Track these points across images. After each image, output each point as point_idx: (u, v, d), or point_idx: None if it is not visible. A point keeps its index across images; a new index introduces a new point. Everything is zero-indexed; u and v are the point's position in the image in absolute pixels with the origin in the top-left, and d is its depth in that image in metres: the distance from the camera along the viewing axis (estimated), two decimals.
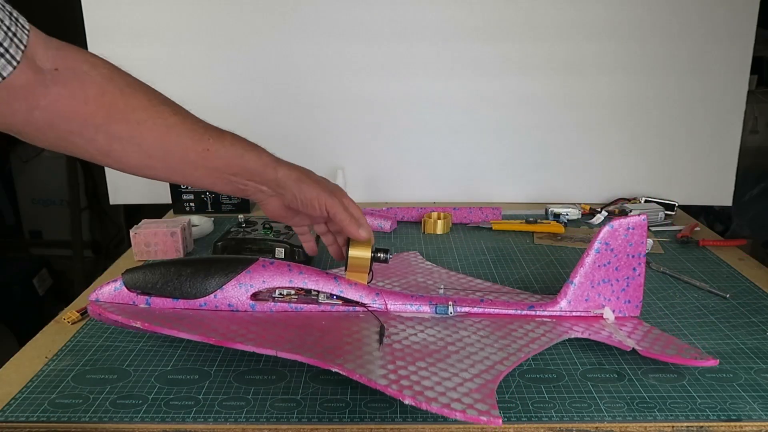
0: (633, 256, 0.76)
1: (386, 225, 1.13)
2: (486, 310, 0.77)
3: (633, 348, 0.69)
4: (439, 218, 1.14)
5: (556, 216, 1.16)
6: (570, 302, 0.76)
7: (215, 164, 0.63)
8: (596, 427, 0.60)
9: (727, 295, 0.86)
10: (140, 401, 0.64)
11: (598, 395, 0.64)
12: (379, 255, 0.75)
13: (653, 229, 1.13)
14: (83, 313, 0.81)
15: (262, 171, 0.66)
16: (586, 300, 0.76)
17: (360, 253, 0.74)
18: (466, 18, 1.20)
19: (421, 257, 1.00)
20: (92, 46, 1.22)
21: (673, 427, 0.60)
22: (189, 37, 1.22)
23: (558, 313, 0.76)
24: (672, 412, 0.61)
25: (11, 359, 0.72)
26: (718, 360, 0.67)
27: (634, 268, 0.76)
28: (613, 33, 1.20)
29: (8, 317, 1.90)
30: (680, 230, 1.11)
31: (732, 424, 0.60)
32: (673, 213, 1.20)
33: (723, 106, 1.23)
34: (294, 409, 0.62)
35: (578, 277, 0.76)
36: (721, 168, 1.27)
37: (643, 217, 0.76)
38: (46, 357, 0.72)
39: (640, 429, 0.60)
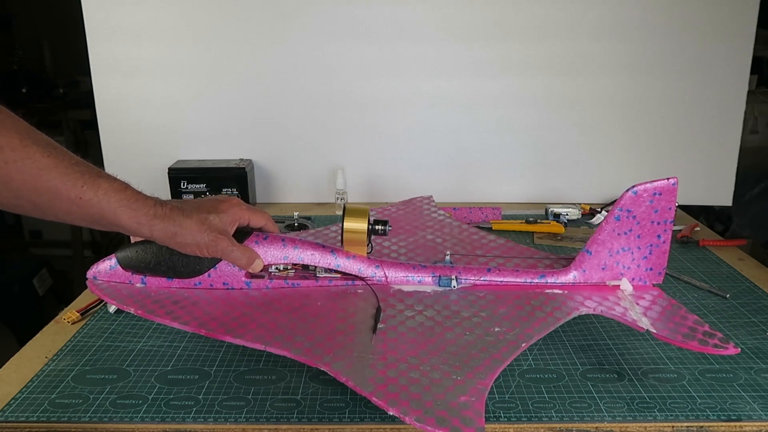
0: (658, 224, 0.69)
1: None
2: (493, 280, 0.72)
3: (647, 330, 0.65)
4: None
5: (556, 216, 1.16)
6: (585, 271, 0.71)
7: (88, 212, 0.60)
8: (596, 427, 0.60)
9: (727, 295, 0.86)
10: (140, 401, 0.64)
11: (598, 395, 0.64)
12: (377, 228, 0.72)
13: None
14: (83, 313, 0.81)
15: (136, 230, 0.62)
16: (603, 269, 0.71)
17: (356, 226, 0.70)
18: (466, 18, 1.20)
19: (434, 203, 0.96)
20: (92, 46, 1.22)
21: (673, 427, 0.60)
22: (189, 37, 1.22)
23: (571, 283, 0.72)
24: (672, 412, 0.61)
25: (11, 359, 0.72)
26: (739, 349, 0.62)
27: (658, 236, 0.70)
28: (613, 33, 1.20)
29: (8, 317, 1.90)
30: (680, 230, 1.11)
31: (732, 424, 0.60)
32: None
33: (723, 106, 1.23)
34: (294, 409, 0.62)
35: (595, 246, 0.71)
36: (721, 168, 1.27)
37: (672, 180, 0.69)
38: (46, 357, 0.72)
39: (640, 429, 0.60)
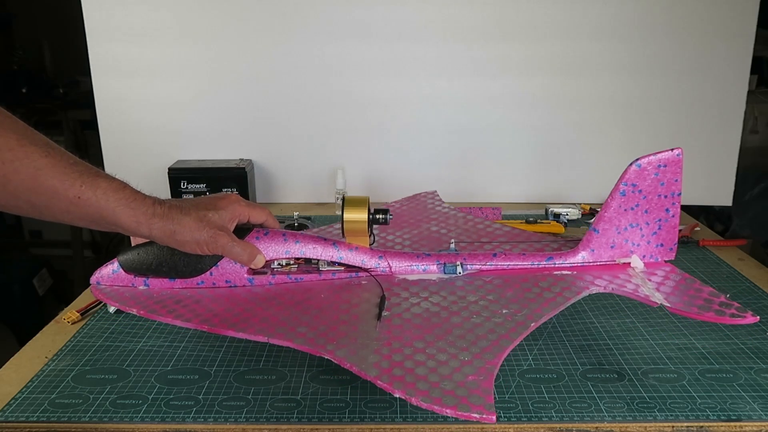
0: (665, 197, 0.68)
1: None
2: (499, 264, 0.71)
3: (660, 304, 0.63)
4: None
5: (556, 216, 1.16)
6: (593, 251, 0.70)
7: (86, 212, 0.59)
8: (596, 427, 0.60)
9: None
10: (140, 401, 0.64)
11: (598, 395, 0.64)
12: (378, 217, 0.71)
13: None
14: (83, 313, 0.81)
15: (135, 229, 0.62)
16: (612, 247, 0.70)
17: (356, 216, 0.69)
18: (466, 18, 1.20)
19: (438, 197, 0.96)
20: (92, 46, 1.22)
21: (673, 427, 0.60)
22: (189, 37, 1.22)
23: (580, 264, 0.71)
24: (672, 412, 0.61)
25: (11, 359, 0.72)
26: (758, 317, 0.60)
27: (666, 209, 0.69)
28: (613, 33, 1.20)
29: (8, 317, 1.90)
30: (680, 230, 1.11)
31: (732, 424, 0.60)
32: None
33: (723, 106, 1.23)
34: (294, 409, 0.62)
35: (602, 223, 0.69)
36: (721, 168, 1.27)
37: (677, 151, 0.67)
38: (46, 357, 0.72)
39: (640, 429, 0.60)
